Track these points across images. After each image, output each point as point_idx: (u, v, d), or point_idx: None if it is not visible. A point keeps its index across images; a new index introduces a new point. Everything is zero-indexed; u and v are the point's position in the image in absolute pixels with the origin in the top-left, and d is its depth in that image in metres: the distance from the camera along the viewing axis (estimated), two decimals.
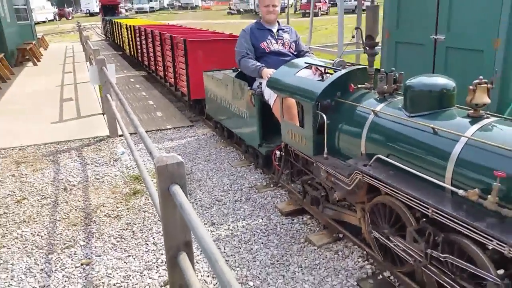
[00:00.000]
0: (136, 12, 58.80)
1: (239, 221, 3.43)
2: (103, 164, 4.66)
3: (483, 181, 1.90)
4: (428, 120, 2.27)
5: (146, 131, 5.85)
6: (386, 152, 2.48)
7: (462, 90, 4.20)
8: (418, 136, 2.29)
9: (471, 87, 2.13)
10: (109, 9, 25.70)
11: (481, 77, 2.15)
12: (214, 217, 3.51)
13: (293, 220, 3.43)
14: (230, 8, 49.73)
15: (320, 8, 39.55)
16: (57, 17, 51.35)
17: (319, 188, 3.19)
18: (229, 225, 3.38)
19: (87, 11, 62.89)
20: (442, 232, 2.10)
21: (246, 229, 3.31)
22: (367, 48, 2.86)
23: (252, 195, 3.87)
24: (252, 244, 3.12)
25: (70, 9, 64.76)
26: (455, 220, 1.93)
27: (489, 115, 2.16)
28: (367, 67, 2.91)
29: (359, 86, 2.86)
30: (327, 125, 2.85)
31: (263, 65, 3.91)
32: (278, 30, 4.15)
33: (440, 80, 2.38)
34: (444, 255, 2.08)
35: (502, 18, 3.78)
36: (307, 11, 35.00)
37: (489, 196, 1.82)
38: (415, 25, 4.77)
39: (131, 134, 5.70)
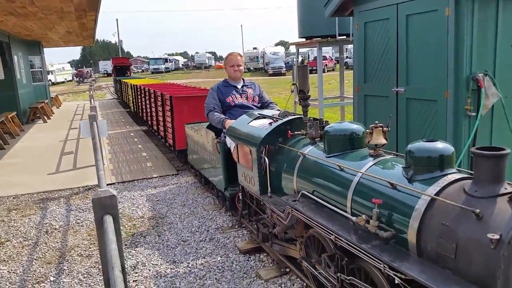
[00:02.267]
0: (152, 73, 61.41)
1: (199, 259, 3.69)
2: (86, 210, 5.02)
3: (369, 208, 2.21)
4: (339, 159, 2.62)
5: (133, 180, 6.28)
6: (310, 188, 2.81)
7: (421, 133, 4.54)
8: (330, 173, 2.63)
9: (368, 130, 2.50)
10: (120, 70, 27.21)
11: (376, 122, 2.52)
12: (177, 256, 3.78)
13: (250, 257, 3.68)
14: None
15: (326, 65, 41.21)
16: (75, 78, 54.04)
17: (268, 225, 3.49)
18: (188, 262, 3.64)
19: (105, 72, 66.29)
20: (349, 257, 2.37)
21: (204, 266, 3.58)
22: (301, 101, 3.28)
23: (216, 235, 4.15)
24: (206, 279, 3.37)
25: (89, 69, 68.13)
26: (350, 244, 2.22)
27: (385, 154, 2.50)
28: (303, 116, 3.32)
29: (296, 132, 3.25)
30: (270, 166, 3.22)
31: (227, 117, 4.36)
32: (242, 86, 4.64)
33: (351, 126, 2.75)
34: (349, 278, 2.34)
35: (449, 73, 4.21)
36: (314, 67, 36.51)
37: (371, 220, 2.12)
38: (379, 79, 5.23)
39: (119, 182, 6.13)
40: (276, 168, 3.28)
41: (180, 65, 75.83)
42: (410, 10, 4.54)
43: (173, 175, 6.45)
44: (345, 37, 7.79)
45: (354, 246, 2.19)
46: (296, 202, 2.82)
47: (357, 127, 2.73)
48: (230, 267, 3.54)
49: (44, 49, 18.08)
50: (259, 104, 4.63)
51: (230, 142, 4.17)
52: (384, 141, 2.48)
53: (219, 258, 3.70)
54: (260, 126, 3.70)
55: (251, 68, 49.11)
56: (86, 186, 6.01)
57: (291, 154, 3.15)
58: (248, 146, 3.45)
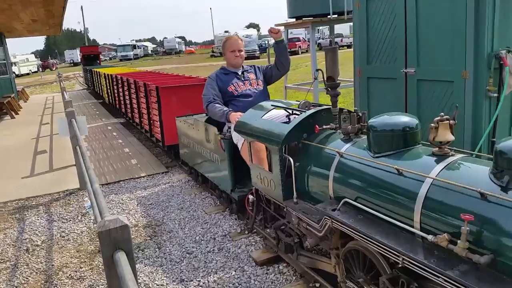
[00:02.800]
0: (121, 60, 59.47)
1: (210, 275, 3.21)
2: (70, 220, 4.42)
3: (452, 224, 1.77)
4: (393, 160, 2.16)
5: (119, 181, 5.69)
6: (354, 195, 2.35)
7: (434, 117, 4.14)
8: (384, 177, 2.17)
9: (432, 124, 2.05)
10: (90, 59, 25.97)
11: (442, 113, 2.07)
12: (184, 272, 3.28)
13: (268, 269, 3.22)
14: (212, 51, 51.12)
15: (300, 46, 40.84)
16: (40, 69, 51.69)
17: (292, 235, 3.03)
18: (199, 280, 3.15)
19: (71, 61, 63.79)
20: (416, 280, 1.94)
21: (218, 283, 3.09)
22: (329, 89, 2.80)
23: (225, 244, 3.66)
24: None
25: (54, 60, 65.42)
26: (426, 268, 1.78)
27: (454, 153, 2.06)
28: (331, 107, 2.84)
29: (324, 126, 2.77)
30: (295, 168, 2.74)
31: (230, 109, 3.83)
32: (243, 72, 4.12)
33: (402, 119, 2.30)
34: None
35: (467, 51, 3.81)
36: (292, 49, 35.99)
37: (458, 241, 1.68)
38: (385, 60, 4.80)
39: (102, 185, 5.53)
40: (302, 170, 2.81)
41: (149, 51, 73.86)
42: None
43: (163, 173, 5.88)
44: (337, 16, 7.30)
45: (434, 273, 1.75)
46: (337, 211, 2.37)
47: (409, 119, 2.28)
48: (248, 284, 3.07)
49: (6, 39, 16.82)
50: (263, 88, 4.12)
51: (237, 139, 3.67)
52: (451, 137, 2.03)
53: (234, 273, 3.23)
54: (276, 119, 3.21)
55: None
56: (66, 191, 5.38)
57: (322, 153, 2.68)
58: (267, 144, 2.95)
